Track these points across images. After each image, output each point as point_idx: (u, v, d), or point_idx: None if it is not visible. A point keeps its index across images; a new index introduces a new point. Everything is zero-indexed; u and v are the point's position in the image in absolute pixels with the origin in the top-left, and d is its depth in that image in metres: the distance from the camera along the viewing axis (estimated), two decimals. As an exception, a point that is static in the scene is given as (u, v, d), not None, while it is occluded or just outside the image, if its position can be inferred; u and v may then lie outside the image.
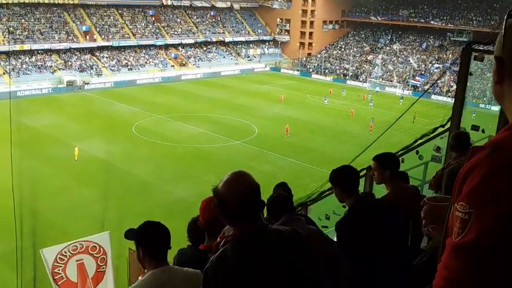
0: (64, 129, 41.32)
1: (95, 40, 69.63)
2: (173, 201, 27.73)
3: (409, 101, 48.47)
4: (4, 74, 58.88)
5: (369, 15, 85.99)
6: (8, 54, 61.60)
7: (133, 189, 29.40)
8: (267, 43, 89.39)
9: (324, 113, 51.55)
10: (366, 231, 3.52)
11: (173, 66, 74.16)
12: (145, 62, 71.91)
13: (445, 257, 1.20)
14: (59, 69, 63.51)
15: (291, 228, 2.41)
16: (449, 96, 57.29)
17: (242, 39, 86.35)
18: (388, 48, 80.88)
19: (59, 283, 7.73)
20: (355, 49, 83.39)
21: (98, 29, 71.42)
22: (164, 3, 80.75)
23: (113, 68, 68.06)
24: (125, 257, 13.51)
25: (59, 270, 7.75)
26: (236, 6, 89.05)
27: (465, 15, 74.64)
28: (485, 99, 58.70)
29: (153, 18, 79.35)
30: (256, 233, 2.24)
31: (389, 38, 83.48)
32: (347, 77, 74.77)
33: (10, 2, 65.27)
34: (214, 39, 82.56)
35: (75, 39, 68.24)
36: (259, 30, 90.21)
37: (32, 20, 67.20)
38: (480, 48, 6.34)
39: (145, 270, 3.13)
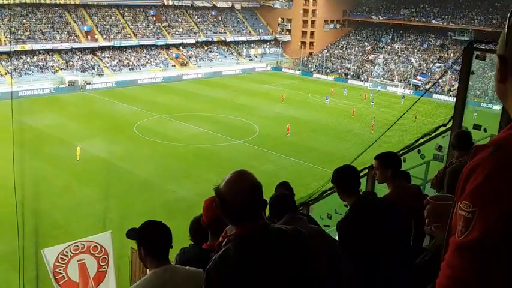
0: (66, 129, 41.37)
1: (96, 40, 69.68)
2: (175, 200, 27.77)
3: (410, 100, 48.42)
4: (6, 74, 58.96)
5: (370, 14, 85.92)
6: (9, 54, 61.68)
7: (135, 188, 29.42)
8: (268, 43, 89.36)
9: (326, 112, 51.53)
10: (367, 230, 3.51)
11: (174, 66, 74.19)
12: (147, 62, 71.95)
13: (449, 256, 1.20)
14: (61, 69, 63.58)
15: (293, 227, 2.41)
16: (450, 95, 57.24)
17: (243, 38, 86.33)
18: (389, 47, 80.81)
19: (60, 283, 7.74)
20: (356, 48, 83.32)
21: (99, 29, 71.47)
22: (165, 3, 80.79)
23: (114, 68, 68.11)
24: (127, 256, 13.54)
25: (60, 270, 7.76)
26: (237, 5, 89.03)
27: (466, 14, 74.54)
28: (486, 98, 58.64)
29: (154, 18, 79.38)
30: (258, 232, 2.24)
31: (390, 37, 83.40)
32: (348, 77, 74.72)
33: (11, 2, 65.36)
34: (215, 39, 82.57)
35: (76, 39, 68.31)
36: (260, 30, 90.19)
37: (34, 20, 67.28)
38: (482, 47, 6.33)
39: (148, 270, 3.14)
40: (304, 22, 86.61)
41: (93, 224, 22.39)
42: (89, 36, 69.47)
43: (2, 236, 21.20)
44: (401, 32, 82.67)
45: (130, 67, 69.42)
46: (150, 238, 3.05)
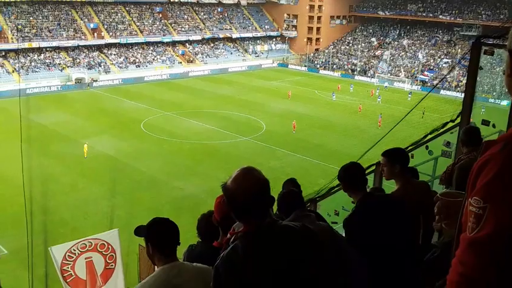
0: (73, 127, 41.58)
1: (102, 37, 69.87)
2: (182, 197, 27.84)
3: (417, 96, 48.25)
4: (13, 71, 59.33)
5: (376, 10, 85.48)
6: (16, 52, 62.02)
7: (142, 185, 29.53)
8: (274, 39, 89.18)
9: (332, 108, 51.42)
10: (373, 227, 3.50)
11: (181, 62, 74.26)
12: (153, 59, 72.08)
13: (460, 253, 1.19)
14: (68, 66, 63.87)
15: (302, 224, 2.41)
16: (458, 91, 56.92)
17: (249, 35, 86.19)
18: (396, 43, 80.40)
19: (67, 280, 7.80)
20: (363, 44, 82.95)
21: (105, 26, 71.66)
22: (171, 0, 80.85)
23: (120, 65, 68.30)
24: (135, 253, 13.60)
25: (67, 267, 7.82)
26: (243, 2, 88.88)
27: (474, 9, 73.96)
28: (494, 93, 58.24)
29: (160, 15, 79.45)
30: (266, 229, 2.24)
31: (397, 33, 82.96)
32: (355, 73, 74.45)
33: (18, 0, 65.68)
34: (221, 36, 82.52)
35: (83, 37, 68.54)
36: (266, 26, 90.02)
37: (40, 17, 67.58)
38: (490, 42, 6.28)
39: (155, 266, 3.15)
40: (311, 18, 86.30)
41: (100, 222, 22.53)
42: (95, 34, 69.68)
43: (11, 234, 21.37)
44: (408, 27, 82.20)
45: (136, 64, 69.58)
46: (158, 235, 3.06)
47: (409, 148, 7.06)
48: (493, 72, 58.65)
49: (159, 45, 75.40)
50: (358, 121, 46.09)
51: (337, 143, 38.85)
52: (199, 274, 3.00)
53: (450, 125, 6.91)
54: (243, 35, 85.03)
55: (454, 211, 1.70)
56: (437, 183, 6.72)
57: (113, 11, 75.12)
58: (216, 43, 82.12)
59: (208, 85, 62.86)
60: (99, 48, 69.37)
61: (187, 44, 78.54)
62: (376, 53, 78.37)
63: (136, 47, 72.90)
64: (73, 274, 7.88)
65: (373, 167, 6.78)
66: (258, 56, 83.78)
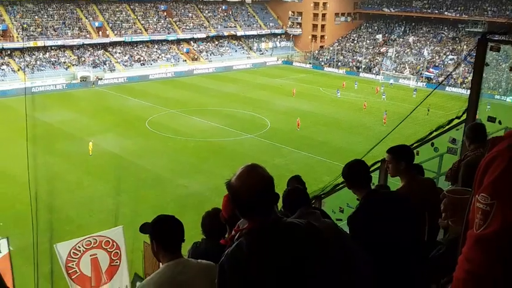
0: (78, 125, 41.72)
1: (107, 36, 70.03)
2: (187, 195, 27.88)
3: (422, 93, 48.04)
4: (19, 70, 59.56)
5: (381, 6, 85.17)
6: (22, 50, 62.27)
7: (147, 183, 29.59)
8: (278, 36, 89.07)
9: (337, 106, 51.33)
10: (378, 224, 3.49)
11: (185, 60, 74.31)
12: (158, 57, 72.16)
13: (467, 250, 1.18)
14: (73, 65, 64.05)
15: (306, 221, 2.40)
16: (463, 88, 56.65)
17: (254, 32, 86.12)
18: (401, 40, 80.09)
19: (72, 277, 7.83)
20: (368, 41, 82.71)
21: (110, 25, 71.79)
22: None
23: (125, 64, 68.43)
24: (140, 250, 13.64)
25: (72, 264, 7.85)
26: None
27: (479, 5, 73.52)
28: (500, 90, 57.95)
29: (165, 13, 79.51)
30: (271, 226, 2.24)
31: (402, 29, 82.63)
32: (360, 70, 74.26)
33: (24, -1, 65.98)
34: (226, 33, 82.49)
35: (88, 35, 68.71)
36: (270, 24, 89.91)
37: (45, 16, 67.79)
38: (496, 38, 6.24)
39: (160, 263, 3.15)
40: (315, 15, 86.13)
41: (106, 219, 22.58)
42: (100, 32, 69.83)
43: (17, 232, 21.47)
44: (413, 24, 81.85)
45: (141, 62, 69.69)
46: (162, 232, 3.07)
47: (415, 145, 7.03)
48: (498, 68, 58.36)
49: (164, 43, 75.48)
50: (363, 118, 45.99)
51: (342, 140, 38.78)
52: (203, 271, 3.00)
53: (456, 121, 6.87)
54: (247, 33, 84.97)
55: (461, 208, 1.69)
56: (442, 180, 6.69)
57: (117, 9, 75.25)
58: (220, 41, 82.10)
59: (213, 83, 62.89)
60: (104, 46, 69.53)
61: (191, 42, 78.58)
62: (381, 50, 78.10)
63: (141, 45, 73.01)
64: (78, 271, 7.91)
65: (379, 164, 6.75)
66: (262, 54, 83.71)
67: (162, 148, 36.44)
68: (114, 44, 70.49)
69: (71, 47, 66.56)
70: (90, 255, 8.00)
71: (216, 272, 2.29)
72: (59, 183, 27.93)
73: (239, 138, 39.25)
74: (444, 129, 7.18)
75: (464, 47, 71.29)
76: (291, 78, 67.38)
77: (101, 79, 62.14)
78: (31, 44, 62.47)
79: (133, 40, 71.96)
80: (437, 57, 72.56)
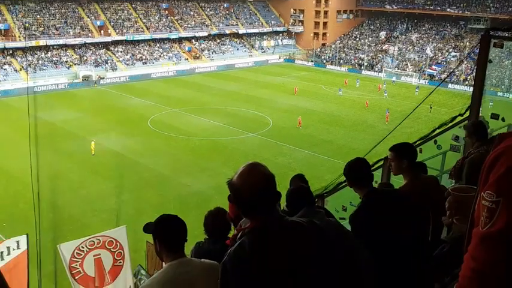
0: (80, 124, 41.77)
1: (109, 35, 70.05)
2: (189, 194, 27.90)
3: (425, 91, 47.97)
4: (21, 70, 59.67)
5: (384, 3, 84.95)
6: (24, 50, 62.41)
7: (150, 182, 29.63)
8: (280, 34, 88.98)
9: (339, 104, 51.27)
10: (379, 222, 3.47)
11: (187, 59, 74.32)
12: (160, 56, 72.19)
13: (472, 248, 1.17)
14: (75, 64, 64.12)
15: (308, 220, 2.39)
16: (466, 85, 56.51)
17: (256, 30, 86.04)
18: (403, 37, 79.90)
19: (76, 278, 7.83)
20: (370, 39, 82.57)
21: (112, 24, 71.83)
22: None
23: (127, 62, 68.47)
24: (143, 250, 13.65)
25: (76, 265, 7.85)
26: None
27: (482, 2, 73.23)
28: (503, 87, 57.78)
29: (167, 12, 79.50)
30: (272, 225, 2.23)
31: (405, 27, 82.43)
32: (362, 67, 74.13)
33: (25, -2, 66.05)
34: (227, 32, 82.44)
35: (89, 34, 68.77)
36: (272, 22, 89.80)
37: (47, 15, 67.86)
38: (499, 35, 6.21)
39: (163, 263, 3.15)
40: (317, 13, 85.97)
41: (108, 218, 22.62)
42: (102, 31, 69.87)
43: (20, 231, 21.52)
44: (415, 21, 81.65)
45: (143, 61, 69.73)
46: (165, 232, 3.08)
47: (418, 142, 7.01)
48: (501, 65, 58.20)
49: (166, 41, 75.49)
50: (366, 116, 45.93)
51: (344, 138, 38.75)
52: (206, 270, 3.00)
53: (459, 119, 6.85)
54: (249, 31, 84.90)
55: (466, 206, 1.67)
56: (445, 177, 6.67)
57: (119, 8, 75.27)
58: (222, 39, 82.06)
59: (215, 81, 62.89)
60: (105, 45, 69.58)
61: (193, 41, 78.57)
62: (384, 48, 77.94)
63: (142, 44, 73.03)
64: (81, 271, 7.91)
65: (381, 162, 6.74)
66: (264, 52, 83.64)
67: (165, 147, 36.46)
68: (116, 43, 70.54)
69: (73, 46, 66.63)
70: (94, 256, 8.00)
71: (219, 271, 2.29)
72: (62, 183, 28.01)
73: (241, 136, 39.24)
74: (447, 126, 7.16)
75: (467, 43, 71.09)
76: (293, 76, 67.32)
77: (103, 78, 62.18)
78: (33, 43, 62.53)
79: (135, 39, 71.99)
80: (439, 54, 72.38)
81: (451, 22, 76.95)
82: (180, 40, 77.24)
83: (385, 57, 74.12)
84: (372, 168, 6.45)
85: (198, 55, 76.03)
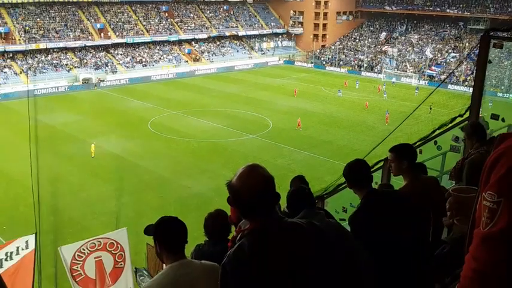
0: (81, 127, 41.78)
1: (109, 37, 70.11)
2: (190, 196, 27.89)
3: (424, 91, 47.96)
4: (21, 73, 59.71)
5: (383, 5, 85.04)
6: (24, 53, 62.46)
7: (150, 184, 29.62)
8: (280, 36, 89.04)
9: (339, 105, 51.28)
10: (378, 223, 3.47)
11: (187, 61, 74.36)
12: (160, 58, 72.25)
13: (473, 248, 1.16)
14: (75, 67, 64.16)
15: (308, 221, 2.39)
16: (466, 86, 56.54)
17: (255, 32, 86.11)
18: (403, 38, 79.96)
19: (77, 280, 7.82)
20: (369, 40, 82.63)
21: (112, 26, 71.89)
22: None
23: (127, 65, 68.52)
24: (143, 252, 13.62)
25: (77, 267, 7.84)
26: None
27: (481, 2, 73.32)
28: (502, 87, 57.80)
29: (166, 14, 79.59)
30: (272, 226, 2.23)
31: (404, 28, 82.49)
32: (362, 69, 74.17)
33: (25, 1, 66.05)
34: (227, 34, 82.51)
35: (89, 37, 68.82)
36: (272, 23, 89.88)
37: (47, 18, 67.92)
38: (499, 35, 6.21)
39: (164, 265, 3.15)
40: (317, 14, 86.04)
41: (108, 221, 22.61)
42: (102, 34, 69.93)
43: (21, 234, 21.50)
44: (415, 22, 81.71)
45: (143, 64, 69.78)
46: (166, 234, 3.08)
47: (418, 143, 7.01)
48: (501, 66, 58.23)
49: (166, 44, 75.56)
50: (365, 117, 45.94)
51: (344, 139, 38.76)
52: (207, 272, 3.00)
53: (459, 119, 6.85)
54: (249, 33, 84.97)
55: (466, 207, 1.67)
56: (446, 178, 6.66)
57: (119, 10, 75.35)
58: (222, 41, 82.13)
59: (215, 83, 62.93)
60: (105, 48, 69.63)
61: (193, 43, 78.63)
62: (383, 49, 78.00)
63: (142, 47, 73.10)
64: (82, 274, 7.91)
65: (381, 163, 6.73)
66: (264, 54, 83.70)
67: (165, 149, 36.46)
68: (115, 46, 70.59)
69: (73, 49, 66.68)
70: (95, 258, 7.99)
71: (219, 273, 2.29)
72: (62, 185, 28.02)
73: (241, 138, 39.25)
74: (447, 127, 7.16)
75: (467, 44, 71.13)
76: (293, 78, 67.36)
77: (103, 81, 62.22)
78: (33, 46, 62.58)
79: (135, 41, 72.05)
80: (439, 55, 72.43)
81: (451, 23, 77.00)
82: (180, 42, 77.30)
83: (384, 58, 74.15)
84: (372, 169, 6.44)
85: (198, 57, 76.09)
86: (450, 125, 7.09)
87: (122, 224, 16.72)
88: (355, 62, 77.10)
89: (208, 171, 31.48)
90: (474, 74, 6.92)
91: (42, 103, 47.79)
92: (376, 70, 72.40)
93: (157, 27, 76.31)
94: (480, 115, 6.46)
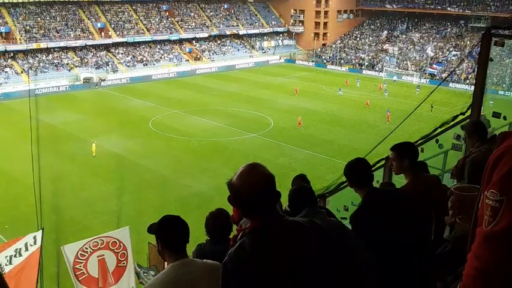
0: (82, 126, 41.81)
1: (110, 36, 70.12)
2: (190, 195, 27.91)
3: (425, 90, 47.93)
4: (22, 72, 59.75)
5: (384, 3, 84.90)
6: (25, 52, 62.49)
7: (151, 183, 29.64)
8: (281, 35, 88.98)
9: (340, 104, 51.24)
10: (379, 222, 3.47)
11: (188, 60, 74.36)
12: (160, 57, 72.24)
13: (476, 247, 1.16)
14: (76, 66, 64.19)
15: (309, 220, 2.39)
16: (467, 84, 56.46)
17: (256, 31, 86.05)
18: (404, 36, 79.86)
19: (80, 279, 7.83)
20: (370, 38, 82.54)
21: (112, 26, 71.89)
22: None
23: (128, 64, 68.52)
24: (145, 251, 13.64)
25: (80, 266, 7.85)
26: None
27: (482, 0, 73.16)
28: (504, 85, 57.70)
29: (167, 13, 79.57)
30: (273, 225, 2.23)
31: (405, 26, 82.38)
32: (363, 67, 74.09)
33: (26, 1, 66.08)
34: (228, 33, 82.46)
35: (90, 36, 68.83)
36: (273, 22, 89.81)
37: (48, 18, 67.94)
38: (500, 33, 6.19)
39: (165, 264, 3.16)
40: (317, 13, 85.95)
41: (109, 220, 22.65)
42: (102, 33, 69.94)
43: (22, 233, 21.54)
44: (416, 20, 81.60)
45: (144, 63, 69.78)
46: (168, 232, 3.09)
47: (419, 142, 7.00)
48: (502, 64, 58.11)
49: (166, 43, 75.55)
50: (366, 116, 45.90)
51: (345, 138, 38.74)
52: (209, 271, 3.00)
53: (460, 117, 6.83)
54: (249, 32, 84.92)
55: (469, 205, 1.67)
56: (447, 177, 6.66)
57: (119, 10, 75.34)
58: (222, 40, 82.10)
59: (216, 82, 62.92)
60: (106, 47, 69.64)
61: (194, 42, 78.61)
62: (384, 47, 77.90)
63: (143, 46, 73.09)
64: (85, 272, 7.92)
65: (383, 162, 6.73)
66: (265, 52, 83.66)
67: (166, 148, 36.48)
68: (116, 45, 70.60)
69: (74, 49, 66.70)
70: (98, 256, 8.00)
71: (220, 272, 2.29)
72: (63, 185, 28.04)
73: (242, 137, 39.24)
74: (449, 125, 7.15)
75: (468, 42, 71.03)
76: (294, 77, 67.31)
77: (104, 80, 62.24)
78: (34, 46, 62.59)
79: (135, 40, 72.05)
80: (440, 54, 72.33)
81: (452, 21, 76.87)
82: (180, 41, 77.29)
83: (385, 56, 74.07)
84: (374, 168, 6.45)
85: (198, 56, 76.07)
86: (452, 123, 7.07)
87: (122, 223, 16.75)
88: (356, 60, 77.02)
89: (209, 170, 31.48)
90: (475, 72, 6.91)
91: (43, 102, 47.79)
92: (377, 68, 72.32)
93: (158, 26, 76.29)
94: (482, 113, 6.45)
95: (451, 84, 58.25)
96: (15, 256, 7.81)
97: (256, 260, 2.16)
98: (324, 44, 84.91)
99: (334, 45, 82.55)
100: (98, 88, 59.95)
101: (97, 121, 43.66)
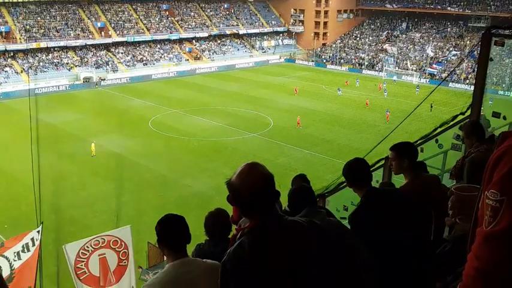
0: (82, 125, 41.81)
1: (110, 36, 70.10)
2: (190, 194, 27.91)
3: (425, 90, 47.91)
4: (22, 72, 59.73)
5: (384, 3, 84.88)
6: (25, 52, 62.48)
7: (151, 183, 29.64)
8: (281, 34, 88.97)
9: (340, 103, 51.23)
10: (378, 222, 3.47)
11: (188, 60, 74.34)
12: (160, 57, 72.22)
13: (476, 247, 1.16)
14: (76, 66, 64.17)
15: (308, 220, 2.39)
16: (467, 84, 56.46)
17: (256, 31, 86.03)
18: (404, 36, 79.85)
19: (81, 278, 7.83)
20: (370, 38, 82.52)
21: (112, 25, 71.87)
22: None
23: (128, 64, 68.51)
24: (144, 250, 13.64)
25: (81, 265, 7.85)
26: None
27: (483, 0, 73.15)
28: (504, 85, 57.69)
29: (167, 13, 79.54)
30: (272, 224, 2.23)
31: (405, 26, 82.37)
32: (363, 67, 74.08)
33: (26, 0, 66.05)
34: (228, 32, 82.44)
35: (90, 36, 68.82)
36: (273, 22, 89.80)
37: (48, 17, 67.93)
38: (500, 33, 6.19)
39: (165, 262, 3.17)
40: (317, 12, 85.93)
41: (109, 220, 22.63)
42: (102, 33, 69.92)
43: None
44: (416, 20, 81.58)
45: (144, 62, 69.77)
46: (168, 231, 3.09)
47: (419, 142, 7.00)
48: (502, 63, 58.10)
49: (166, 42, 75.53)
50: (366, 116, 45.90)
51: (345, 138, 38.73)
52: (209, 270, 3.01)
53: (460, 117, 6.83)
54: (249, 31, 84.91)
55: (469, 205, 1.66)
56: (447, 177, 6.65)
57: (119, 9, 75.32)
58: (222, 39, 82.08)
59: (216, 82, 62.90)
60: (106, 47, 69.62)
61: (194, 41, 78.58)
62: (384, 47, 77.88)
63: (143, 45, 73.07)
64: (87, 271, 7.91)
65: (382, 162, 6.73)
66: (265, 52, 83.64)
67: (165, 148, 36.48)
68: (116, 44, 70.58)
69: (74, 48, 66.68)
70: (99, 255, 8.00)
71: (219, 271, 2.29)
72: (63, 184, 28.01)
73: (242, 137, 39.24)
74: (448, 125, 7.14)
75: (468, 42, 71.02)
76: (294, 76, 67.30)
77: (104, 80, 62.24)
78: (34, 45, 62.59)
79: (135, 40, 72.02)
80: (440, 53, 72.32)
81: (452, 21, 76.86)
82: (180, 41, 77.26)
83: (385, 56, 74.05)
84: (373, 168, 6.45)
85: (198, 56, 76.05)
86: (451, 123, 7.07)
87: (122, 222, 16.74)
88: (356, 60, 77.01)
89: (209, 169, 31.48)
90: (475, 72, 6.91)
91: (43, 102, 47.79)
92: (377, 68, 72.30)
93: (157, 25, 76.28)
94: (481, 113, 6.45)
95: (450, 84, 58.24)
96: (23, 251, 7.87)
97: (255, 259, 2.16)
98: (323, 44, 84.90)
99: (334, 45, 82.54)
100: (98, 88, 59.93)
101: (97, 121, 43.65)
